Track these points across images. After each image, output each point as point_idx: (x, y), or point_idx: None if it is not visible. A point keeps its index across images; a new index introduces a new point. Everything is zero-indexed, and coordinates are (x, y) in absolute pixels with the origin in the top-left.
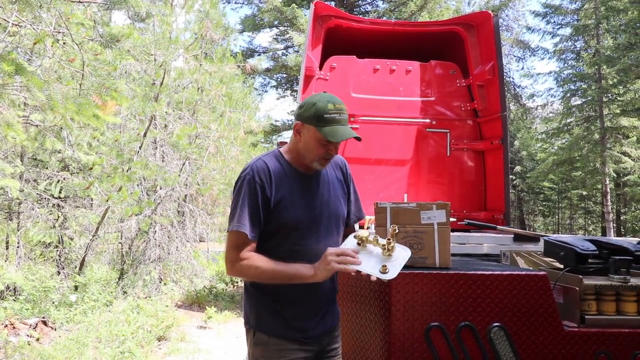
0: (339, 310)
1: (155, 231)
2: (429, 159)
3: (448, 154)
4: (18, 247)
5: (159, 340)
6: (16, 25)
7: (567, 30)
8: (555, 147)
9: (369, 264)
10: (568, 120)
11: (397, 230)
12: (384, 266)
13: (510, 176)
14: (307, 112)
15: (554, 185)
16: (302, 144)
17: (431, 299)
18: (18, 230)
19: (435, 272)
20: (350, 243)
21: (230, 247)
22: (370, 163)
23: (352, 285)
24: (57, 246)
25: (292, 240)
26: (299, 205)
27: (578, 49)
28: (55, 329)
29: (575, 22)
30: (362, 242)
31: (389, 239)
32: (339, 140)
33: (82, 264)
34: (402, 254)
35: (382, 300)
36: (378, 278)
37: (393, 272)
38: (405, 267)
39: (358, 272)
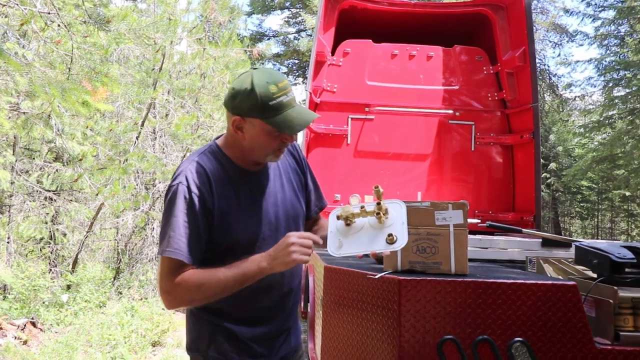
0: (300, 327)
1: (153, 228)
2: (451, 154)
3: (473, 149)
4: (8, 242)
5: (154, 346)
6: (2, 5)
7: (610, 13)
8: (595, 143)
9: (369, 241)
10: (610, 113)
11: (380, 189)
12: (390, 235)
13: (545, 174)
14: (245, 102)
15: (593, 185)
16: (247, 141)
17: (445, 309)
18: (8, 225)
19: (450, 279)
20: (335, 226)
21: (163, 275)
22: (386, 158)
23: (351, 290)
24: (48, 242)
25: (240, 258)
26: (250, 215)
27: (622, 33)
28: (44, 331)
29: (619, 4)
30: (348, 220)
31: (378, 203)
32: (297, 131)
33: (75, 262)
34: (397, 211)
35: (389, 310)
36: (392, 251)
37: (402, 236)
38: (417, 273)
39: (366, 256)
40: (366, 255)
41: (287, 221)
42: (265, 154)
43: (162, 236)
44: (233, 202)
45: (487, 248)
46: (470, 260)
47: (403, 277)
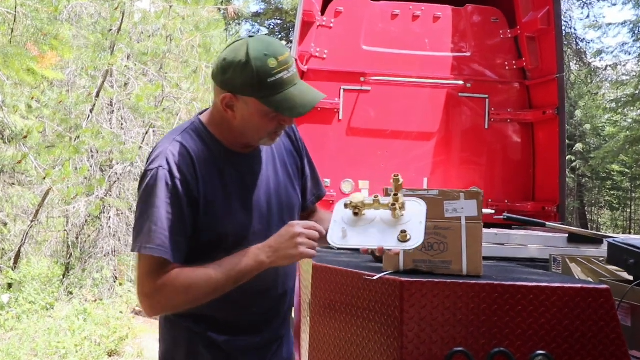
0: (293, 336)
1: (110, 217)
2: (461, 132)
3: (486, 127)
4: None
5: (110, 356)
6: None
7: None
8: (629, 120)
9: (378, 235)
10: None
11: (400, 179)
12: (403, 232)
13: (570, 157)
14: (238, 77)
15: (626, 170)
16: (238, 121)
17: (455, 316)
18: None
19: (461, 281)
20: (341, 215)
21: (144, 276)
22: (384, 137)
23: (344, 294)
24: None
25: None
26: (239, 204)
27: None
28: None
29: None
30: (358, 209)
31: (395, 194)
32: (299, 114)
33: (17, 257)
34: (416, 209)
35: (389, 317)
36: (403, 250)
37: (417, 235)
38: (422, 274)
39: (372, 253)
40: (371, 255)
41: (280, 212)
42: (259, 137)
43: (138, 230)
44: (220, 188)
45: (503, 244)
46: (484, 258)
47: (406, 279)
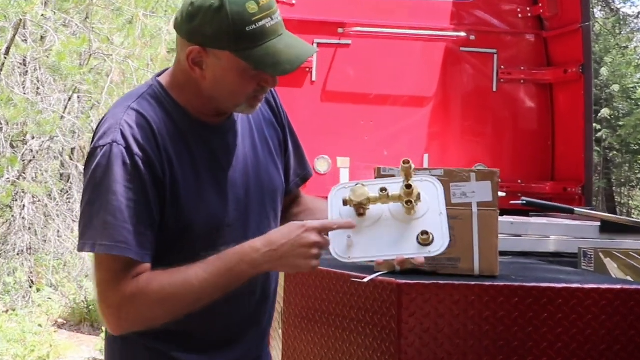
0: (270, 354)
1: (24, 206)
2: (463, 96)
3: (494, 89)
4: None
5: None
6: None
7: None
8: None
9: (393, 240)
10: None
11: (412, 165)
12: (424, 233)
13: (594, 125)
14: (209, 26)
15: None
16: (209, 82)
17: (466, 327)
18: None
19: (473, 283)
20: (339, 215)
21: (105, 284)
22: (368, 102)
23: (326, 300)
24: None
25: (202, 249)
26: (213, 189)
27: None
28: None
29: None
30: (362, 208)
31: (408, 185)
32: (285, 71)
33: None
34: (430, 194)
35: (383, 329)
36: (426, 258)
37: (441, 234)
38: (424, 274)
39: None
40: (390, 275)
41: (260, 198)
42: (234, 103)
43: (88, 223)
44: (187, 168)
45: (520, 236)
46: (499, 254)
47: (404, 281)
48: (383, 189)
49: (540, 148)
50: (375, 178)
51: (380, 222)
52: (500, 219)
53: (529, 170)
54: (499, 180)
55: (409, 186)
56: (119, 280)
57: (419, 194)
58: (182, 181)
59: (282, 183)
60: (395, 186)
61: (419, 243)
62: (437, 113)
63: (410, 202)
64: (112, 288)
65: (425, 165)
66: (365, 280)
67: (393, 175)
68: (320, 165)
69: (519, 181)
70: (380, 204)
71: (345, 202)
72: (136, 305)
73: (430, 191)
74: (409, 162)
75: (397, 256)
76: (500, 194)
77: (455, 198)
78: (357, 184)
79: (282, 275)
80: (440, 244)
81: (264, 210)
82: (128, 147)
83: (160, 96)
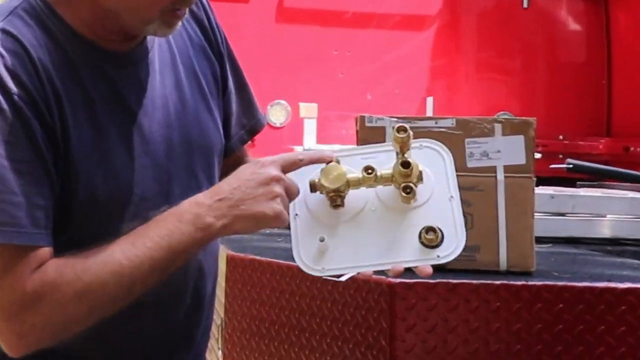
0: None
1: None
2: (479, 14)
3: (525, 4)
4: None
5: None
6: None
7: None
8: None
9: (384, 242)
10: None
11: (410, 132)
12: (429, 230)
13: None
14: None
15: None
16: None
17: (487, 344)
18: None
19: (498, 282)
20: (304, 205)
21: None
22: (343, 23)
23: (287, 309)
24: None
25: (111, 228)
26: (121, 146)
27: None
28: None
29: None
30: (338, 194)
31: (404, 160)
32: None
33: None
34: (435, 170)
35: (369, 348)
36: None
37: (453, 230)
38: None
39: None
40: (379, 272)
41: (189, 160)
42: (144, 18)
43: None
44: (83, 116)
45: (565, 215)
46: (535, 240)
47: (398, 279)
48: (369, 169)
49: (590, 89)
50: (358, 136)
51: (365, 215)
52: (537, 190)
53: (574, 122)
54: (535, 135)
55: (406, 164)
56: (14, 276)
57: (420, 173)
58: (74, 134)
59: (220, 138)
60: (383, 158)
61: (423, 244)
62: (443, 39)
63: (410, 187)
64: (4, 289)
65: (429, 113)
66: (343, 279)
67: (383, 129)
68: (275, 114)
69: (560, 137)
70: (364, 187)
71: (313, 187)
72: (44, 306)
73: (434, 164)
74: (406, 130)
75: (392, 265)
76: (536, 155)
77: (473, 160)
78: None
79: (221, 273)
80: (453, 245)
81: (194, 178)
82: (2, 85)
83: (40, 12)
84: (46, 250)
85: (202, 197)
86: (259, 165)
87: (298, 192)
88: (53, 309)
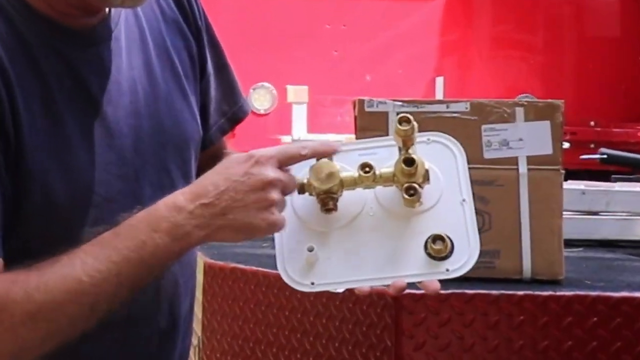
0: None
1: None
2: None
3: None
4: None
5: None
6: None
7: None
8: None
9: (383, 254)
10: None
11: (414, 124)
12: (437, 238)
13: None
14: None
15: None
16: None
17: None
18: None
19: (521, 292)
20: (292, 210)
21: None
22: None
23: (276, 326)
24: None
25: (71, 233)
26: (78, 138)
27: None
28: None
29: None
30: (330, 196)
31: (407, 157)
32: None
33: None
34: (444, 169)
35: None
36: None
37: (468, 241)
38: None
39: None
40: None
41: (160, 155)
42: None
43: None
44: (37, 104)
45: (598, 214)
46: (565, 243)
47: (406, 290)
48: (366, 167)
49: (625, 68)
50: (357, 123)
51: (362, 221)
52: (565, 185)
53: (607, 105)
54: (563, 120)
55: (410, 161)
56: None
57: (426, 172)
58: (27, 125)
59: (197, 128)
60: (385, 154)
61: (429, 255)
62: (454, 10)
63: (413, 188)
64: None
65: (439, 96)
66: (339, 289)
67: (385, 115)
68: (259, 99)
69: (592, 123)
70: (361, 188)
71: (302, 189)
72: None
73: (444, 162)
74: (409, 121)
75: (393, 280)
76: (564, 144)
77: (491, 150)
78: (321, 161)
79: (199, 285)
80: (464, 257)
81: (167, 175)
82: None
83: None
84: None
85: (182, 200)
86: (252, 161)
87: (295, 189)
88: (0, 331)
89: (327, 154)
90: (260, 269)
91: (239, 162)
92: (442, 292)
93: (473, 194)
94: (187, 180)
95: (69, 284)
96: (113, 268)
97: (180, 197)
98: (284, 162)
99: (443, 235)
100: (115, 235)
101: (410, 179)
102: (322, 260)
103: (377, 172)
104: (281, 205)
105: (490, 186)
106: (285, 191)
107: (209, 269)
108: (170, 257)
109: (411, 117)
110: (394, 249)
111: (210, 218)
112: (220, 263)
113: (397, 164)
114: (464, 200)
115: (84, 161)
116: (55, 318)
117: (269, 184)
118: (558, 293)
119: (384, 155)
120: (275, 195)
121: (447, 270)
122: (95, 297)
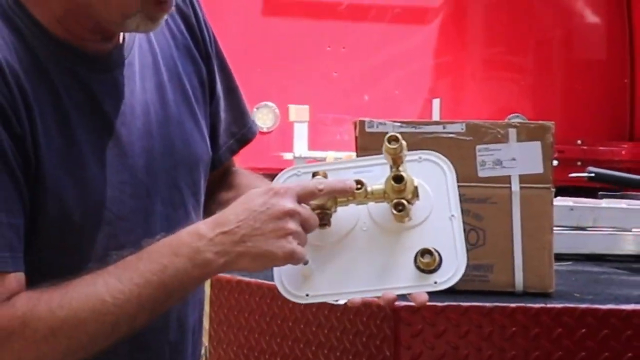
0: None
1: None
2: (487, 5)
3: None
4: None
5: None
6: None
7: None
8: None
9: (374, 267)
10: None
11: (402, 143)
12: (425, 253)
13: None
14: None
15: None
16: None
17: None
18: None
19: (514, 305)
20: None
21: None
22: (336, 16)
23: (278, 335)
24: None
25: (84, 249)
26: (96, 159)
27: None
28: None
29: None
30: (324, 212)
31: (397, 174)
32: None
33: None
34: (433, 185)
35: None
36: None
37: (453, 253)
38: (439, 292)
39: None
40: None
41: (172, 175)
42: (123, 11)
43: None
44: (53, 124)
45: (586, 229)
46: (554, 257)
47: (404, 303)
48: (358, 184)
49: (612, 90)
50: (358, 143)
51: (355, 236)
52: (555, 202)
53: (594, 125)
54: (553, 140)
55: (399, 178)
56: None
57: (415, 188)
58: (44, 145)
59: (206, 149)
60: (378, 172)
61: (418, 268)
62: (448, 33)
63: (402, 204)
64: None
65: (435, 117)
66: (340, 301)
67: (383, 135)
68: (262, 117)
69: (579, 142)
70: (354, 204)
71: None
72: (13, 346)
73: (434, 179)
74: (397, 139)
75: (383, 292)
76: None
77: (485, 169)
78: (314, 171)
79: (206, 297)
80: (452, 270)
81: (178, 195)
82: None
83: (7, 9)
84: (17, 278)
85: (204, 228)
86: (271, 193)
87: (317, 224)
88: (22, 349)
89: (344, 192)
90: (265, 281)
91: (259, 194)
92: (438, 304)
93: (463, 210)
94: (196, 199)
95: (91, 303)
96: (135, 290)
97: (202, 225)
98: (303, 197)
99: (432, 249)
100: (138, 258)
101: (399, 196)
102: (317, 273)
103: (369, 189)
104: (301, 238)
105: (484, 203)
106: (305, 225)
107: (216, 282)
108: (191, 282)
109: (399, 136)
110: (385, 263)
111: (230, 245)
112: (227, 276)
113: (387, 181)
114: (452, 215)
115: (98, 179)
116: (77, 335)
117: (287, 214)
118: (549, 305)
119: (377, 173)
120: (292, 225)
121: (435, 282)
122: (116, 317)
